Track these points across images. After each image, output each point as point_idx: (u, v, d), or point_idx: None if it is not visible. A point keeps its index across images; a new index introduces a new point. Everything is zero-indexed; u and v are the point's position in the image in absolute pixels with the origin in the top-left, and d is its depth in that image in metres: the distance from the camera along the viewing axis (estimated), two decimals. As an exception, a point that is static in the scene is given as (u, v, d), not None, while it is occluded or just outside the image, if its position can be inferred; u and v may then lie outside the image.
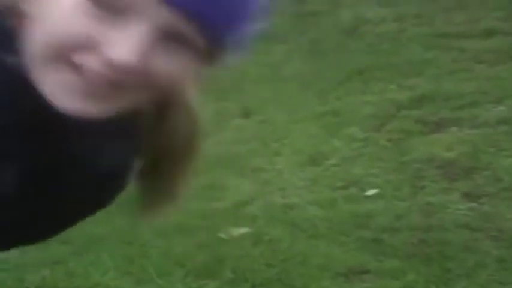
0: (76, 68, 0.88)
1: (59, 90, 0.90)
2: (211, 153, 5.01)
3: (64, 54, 0.88)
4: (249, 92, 6.04)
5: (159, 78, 0.90)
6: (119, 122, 0.96)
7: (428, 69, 5.73)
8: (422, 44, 6.31)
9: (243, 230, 3.66)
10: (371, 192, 3.99)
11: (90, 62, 0.87)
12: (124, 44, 0.85)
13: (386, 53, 6.27)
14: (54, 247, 3.76)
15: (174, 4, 0.85)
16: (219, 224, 3.77)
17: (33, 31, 0.90)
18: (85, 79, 0.88)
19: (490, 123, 4.60)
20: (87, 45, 0.87)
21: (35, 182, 1.02)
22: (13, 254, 3.72)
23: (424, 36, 6.50)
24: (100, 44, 0.86)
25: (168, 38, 0.88)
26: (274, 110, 5.61)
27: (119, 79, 0.87)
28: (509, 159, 4.11)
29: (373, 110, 5.16)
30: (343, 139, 4.81)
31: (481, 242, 3.34)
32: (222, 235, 3.62)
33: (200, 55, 0.91)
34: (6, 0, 0.94)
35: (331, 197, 4.00)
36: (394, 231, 3.51)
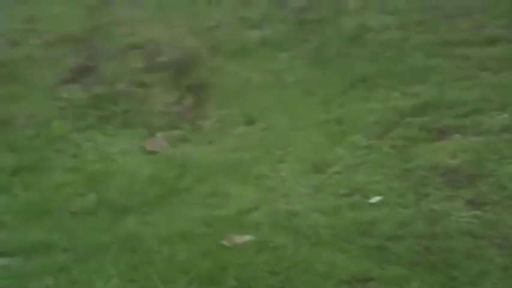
0: None
1: None
2: (214, 160, 5.02)
3: None
4: (252, 99, 6.04)
5: None
6: None
7: (431, 77, 5.72)
8: (426, 51, 6.30)
9: (247, 238, 3.65)
10: (375, 199, 3.99)
11: None
12: None
13: (390, 61, 6.27)
14: (58, 255, 3.76)
15: None
16: (223, 232, 3.76)
17: None
18: None
19: (494, 130, 4.59)
20: None
21: None
22: (16, 262, 3.72)
23: (427, 43, 6.49)
24: None
25: None
26: (277, 117, 5.60)
27: None
28: (513, 166, 4.10)
29: (377, 117, 5.16)
30: (346, 146, 4.81)
31: (485, 249, 3.33)
32: (226, 242, 3.62)
33: None
34: None
35: (335, 205, 3.99)
36: (398, 239, 3.50)
